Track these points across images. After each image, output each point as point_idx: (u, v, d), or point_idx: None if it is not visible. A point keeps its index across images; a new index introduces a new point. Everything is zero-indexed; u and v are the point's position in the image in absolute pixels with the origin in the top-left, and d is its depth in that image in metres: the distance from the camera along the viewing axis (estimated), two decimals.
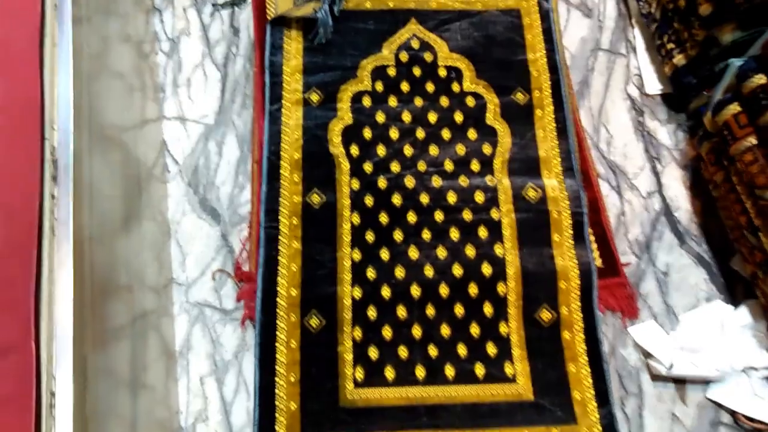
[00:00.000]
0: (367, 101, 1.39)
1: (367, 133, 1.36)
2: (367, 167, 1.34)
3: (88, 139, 1.01)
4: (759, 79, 1.14)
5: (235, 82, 1.48)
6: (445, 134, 1.37)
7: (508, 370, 1.21)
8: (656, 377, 1.23)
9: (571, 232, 1.29)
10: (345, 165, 1.34)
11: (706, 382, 1.21)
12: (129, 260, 1.18)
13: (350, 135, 1.36)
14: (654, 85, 1.49)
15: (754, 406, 1.17)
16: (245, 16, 1.55)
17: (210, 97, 1.46)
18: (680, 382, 1.22)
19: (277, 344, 1.22)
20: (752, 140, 1.15)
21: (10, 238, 0.77)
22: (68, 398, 0.73)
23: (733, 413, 1.19)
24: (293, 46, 1.45)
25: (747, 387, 1.18)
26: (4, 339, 0.71)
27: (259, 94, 1.43)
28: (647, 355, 1.24)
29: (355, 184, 1.32)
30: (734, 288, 1.30)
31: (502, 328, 1.24)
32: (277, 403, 1.18)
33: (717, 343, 1.21)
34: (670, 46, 1.42)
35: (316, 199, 1.31)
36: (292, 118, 1.38)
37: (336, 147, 1.35)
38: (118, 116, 1.27)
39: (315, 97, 1.39)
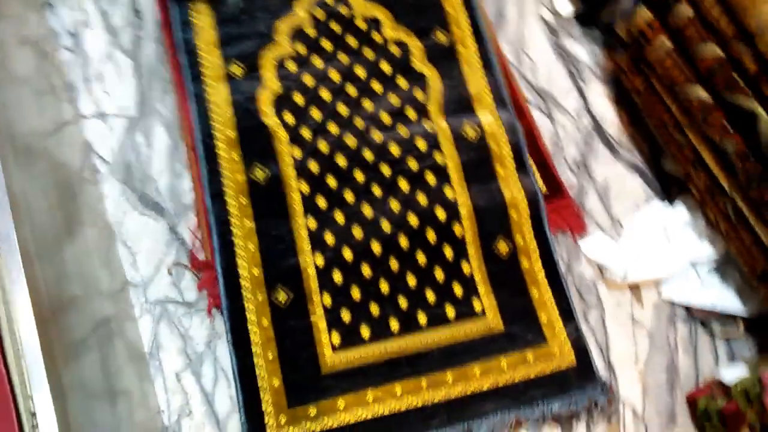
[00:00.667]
0: (291, 66, 1.36)
1: (299, 99, 1.34)
2: (306, 133, 1.32)
3: (9, 152, 0.94)
4: None
5: (149, 68, 1.41)
6: (377, 87, 1.36)
7: (477, 306, 1.25)
8: (613, 286, 1.30)
9: (514, 163, 1.33)
10: (283, 134, 1.31)
11: (659, 283, 1.29)
12: (77, 270, 1.13)
13: (282, 103, 1.33)
14: (564, 6, 1.52)
15: (704, 296, 1.25)
16: None
17: (126, 87, 1.38)
18: (635, 287, 1.30)
19: (248, 326, 1.21)
20: (666, 41, 1.20)
21: None
22: (50, 416, 0.71)
23: (686, 307, 1.28)
24: (202, 20, 1.39)
25: (695, 280, 1.27)
26: None
27: (177, 75, 1.37)
28: (601, 267, 1.31)
29: (297, 153, 1.30)
30: (669, 187, 1.38)
31: (465, 268, 1.27)
32: (259, 383, 1.18)
33: (662, 243, 1.29)
34: None
35: (260, 174, 1.29)
36: (219, 95, 1.33)
37: (270, 117, 1.32)
38: (33, 123, 1.19)
39: (237, 70, 1.35)
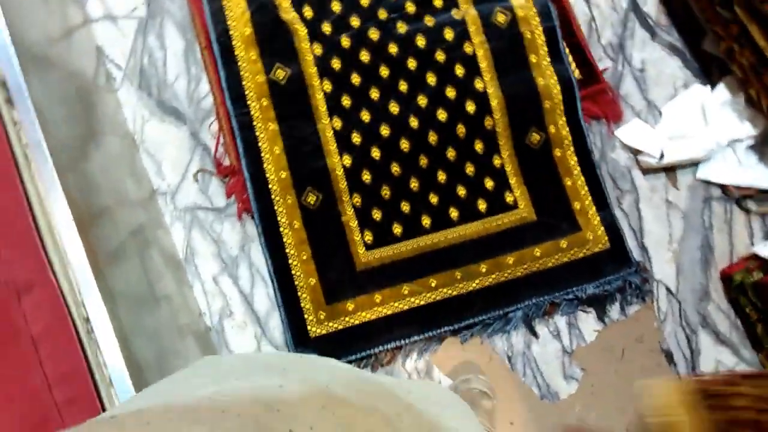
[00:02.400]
0: None
1: None
2: (326, 28, 1.25)
3: (27, 60, 0.90)
4: None
5: None
6: None
7: (509, 198, 1.23)
8: (647, 171, 1.27)
9: (547, 49, 1.26)
10: (302, 30, 1.24)
11: (695, 165, 1.26)
12: (104, 180, 1.12)
13: None
14: None
15: (741, 175, 1.23)
16: None
17: None
18: (670, 170, 1.27)
19: (280, 228, 1.21)
20: None
21: None
22: (105, 320, 0.72)
23: (722, 186, 1.25)
24: None
25: (733, 159, 1.23)
26: (22, 276, 0.67)
27: None
28: (636, 152, 1.27)
29: (318, 49, 1.24)
30: (709, 69, 1.31)
31: (496, 161, 1.24)
32: (296, 282, 1.19)
33: (700, 124, 1.24)
34: None
35: (280, 74, 1.23)
36: None
37: (287, 12, 1.24)
38: (42, 30, 1.13)
39: None
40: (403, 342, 1.19)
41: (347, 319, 1.19)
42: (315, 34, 1.24)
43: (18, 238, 0.67)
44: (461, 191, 1.23)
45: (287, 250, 1.21)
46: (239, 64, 1.24)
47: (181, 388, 0.41)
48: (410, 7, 1.26)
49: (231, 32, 1.25)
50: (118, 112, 1.26)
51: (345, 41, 1.24)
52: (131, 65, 1.28)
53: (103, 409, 0.66)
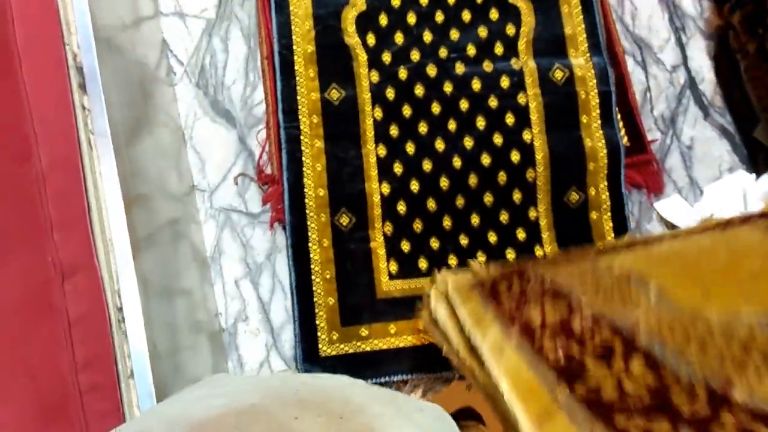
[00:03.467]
0: None
1: (383, 20, 1.28)
2: (386, 57, 1.27)
3: (98, 44, 0.93)
4: None
5: None
6: (466, 16, 1.29)
7: (538, 252, 1.24)
8: None
9: (599, 111, 1.27)
10: (362, 56, 1.27)
11: None
12: (148, 169, 1.15)
13: (365, 22, 1.28)
14: None
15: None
16: None
17: None
18: None
19: (309, 244, 1.22)
20: None
21: (54, 152, 0.73)
22: (137, 312, 0.73)
23: None
24: None
25: None
26: (69, 259, 0.69)
27: None
28: (672, 226, 1.27)
29: (375, 77, 1.27)
30: (757, 158, 1.31)
31: (531, 213, 1.25)
32: (315, 299, 1.20)
33: (739, 209, 1.24)
34: None
35: (335, 94, 1.26)
36: (302, 7, 1.28)
37: (351, 37, 1.27)
38: (113, 15, 1.17)
39: None
40: (410, 376, 1.19)
41: (359, 344, 1.20)
42: (374, 62, 1.27)
43: (72, 221, 0.70)
44: (492, 238, 1.24)
45: (312, 266, 1.22)
46: (297, 79, 1.27)
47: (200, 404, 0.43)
48: (471, 50, 1.28)
49: (294, 47, 1.28)
50: (173, 106, 1.29)
51: (402, 73, 1.27)
52: (193, 62, 1.31)
53: (122, 401, 0.68)
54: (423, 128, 1.26)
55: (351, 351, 1.19)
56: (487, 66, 1.27)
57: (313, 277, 1.22)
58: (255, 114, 1.31)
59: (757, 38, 1.19)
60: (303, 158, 1.24)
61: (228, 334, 1.24)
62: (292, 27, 1.29)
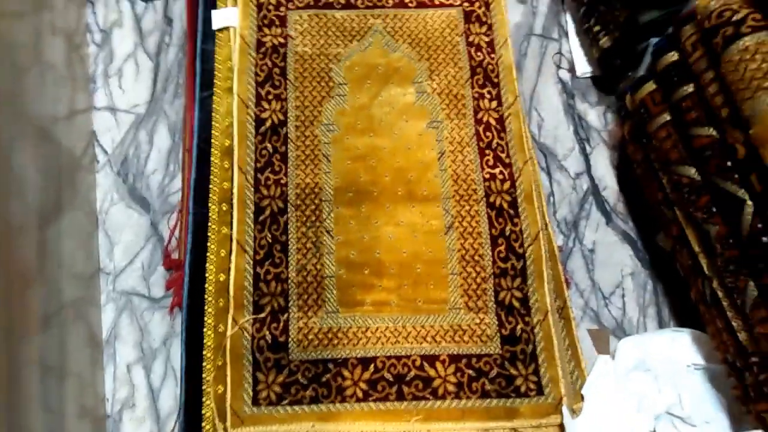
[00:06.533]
0: None
1: None
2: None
3: (23, 129, 1.02)
4: (671, 56, 1.16)
5: (167, 72, 1.48)
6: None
7: None
8: None
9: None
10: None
11: None
12: (55, 250, 1.18)
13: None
14: (584, 68, 1.51)
15: None
16: (179, 5, 1.54)
17: (141, 86, 1.45)
18: None
19: (204, 329, 1.22)
20: (666, 116, 1.17)
21: None
22: None
23: None
24: (225, 33, 1.45)
25: None
26: None
27: (191, 82, 1.42)
28: None
29: None
30: (659, 264, 1.32)
31: None
32: (204, 386, 1.18)
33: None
34: (597, 28, 1.43)
35: None
36: (223, 105, 1.38)
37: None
38: (49, 108, 1.26)
39: None
40: None
41: None
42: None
43: None
44: None
45: (205, 352, 1.20)
46: (212, 169, 1.33)
47: None
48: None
49: (213, 140, 1.35)
50: (91, 192, 1.35)
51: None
52: (117, 153, 1.39)
53: None
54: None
55: None
56: None
57: (204, 363, 1.20)
58: (170, 202, 1.36)
59: (642, 147, 1.25)
60: (208, 243, 1.27)
61: (113, 420, 1.21)
62: (213, 123, 1.37)
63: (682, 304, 1.25)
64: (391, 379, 1.18)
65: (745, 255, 0.99)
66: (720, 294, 1.04)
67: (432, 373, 1.19)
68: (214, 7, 1.45)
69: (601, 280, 1.31)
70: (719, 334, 1.06)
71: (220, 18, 1.43)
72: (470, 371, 1.19)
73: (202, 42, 1.43)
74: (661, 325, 1.28)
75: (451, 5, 1.48)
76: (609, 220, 1.36)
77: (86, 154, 1.37)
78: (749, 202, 0.99)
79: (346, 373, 1.18)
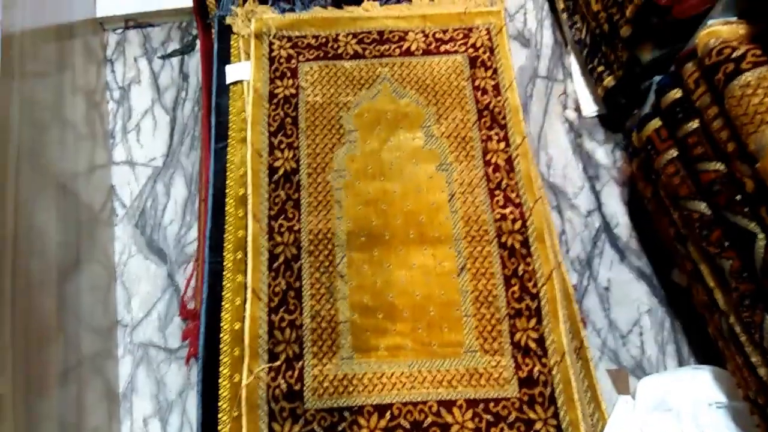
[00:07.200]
0: None
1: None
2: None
3: (39, 186, 1.07)
4: (675, 93, 1.17)
5: (183, 125, 1.52)
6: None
7: None
8: None
9: None
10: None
11: None
12: (74, 304, 1.20)
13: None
14: (590, 108, 1.53)
15: None
16: (194, 61, 1.60)
17: (159, 140, 1.50)
18: None
19: (219, 380, 1.22)
20: (673, 152, 1.17)
21: None
22: None
23: None
24: (239, 87, 1.50)
25: None
26: None
27: (207, 134, 1.47)
28: None
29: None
30: (676, 300, 1.30)
31: None
32: None
33: None
34: (600, 68, 1.46)
35: None
36: (237, 156, 1.41)
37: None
38: (70, 164, 1.31)
39: None
40: None
41: None
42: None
43: None
44: None
45: (221, 403, 1.20)
46: (226, 218, 1.35)
47: None
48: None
49: (227, 190, 1.38)
50: (110, 245, 1.38)
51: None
52: (135, 205, 1.43)
53: None
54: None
55: None
56: None
57: (220, 415, 1.19)
58: (187, 252, 1.38)
59: (652, 183, 1.25)
60: (223, 292, 1.28)
61: None
62: (228, 173, 1.40)
63: (702, 340, 1.22)
64: (407, 426, 1.16)
65: (760, 289, 0.97)
66: (737, 329, 1.02)
67: (449, 419, 1.17)
68: (228, 62, 1.51)
69: (618, 319, 1.30)
70: (740, 371, 1.03)
71: (233, 72, 1.48)
72: (488, 416, 1.17)
73: (216, 96, 1.48)
74: (681, 362, 1.25)
75: (456, 52, 1.52)
76: (623, 257, 1.36)
77: (105, 208, 1.40)
78: (761, 235, 0.98)
79: (362, 422, 1.17)
